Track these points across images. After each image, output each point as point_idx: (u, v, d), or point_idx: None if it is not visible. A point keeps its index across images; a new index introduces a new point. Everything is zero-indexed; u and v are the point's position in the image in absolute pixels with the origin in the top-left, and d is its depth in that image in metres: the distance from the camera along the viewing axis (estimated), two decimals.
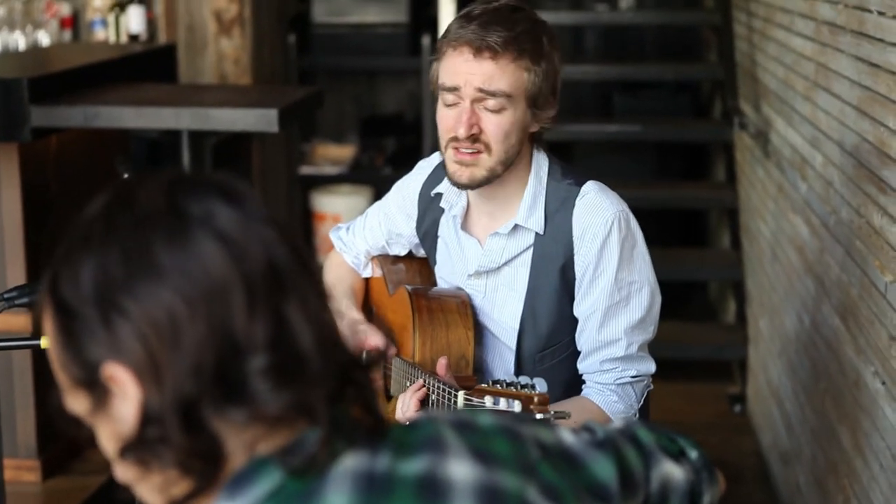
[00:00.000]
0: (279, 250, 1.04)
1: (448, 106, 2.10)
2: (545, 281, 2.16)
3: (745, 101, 4.42)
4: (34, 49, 4.61)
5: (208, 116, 3.30)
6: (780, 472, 3.55)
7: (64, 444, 3.72)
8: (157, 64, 4.30)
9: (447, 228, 2.28)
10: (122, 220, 1.02)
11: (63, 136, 3.65)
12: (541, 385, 1.88)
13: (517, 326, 2.19)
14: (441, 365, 2.06)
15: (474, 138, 2.07)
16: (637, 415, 2.17)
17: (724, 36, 4.75)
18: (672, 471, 1.29)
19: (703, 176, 5.65)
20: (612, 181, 2.26)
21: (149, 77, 4.05)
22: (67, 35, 4.93)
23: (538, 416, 1.83)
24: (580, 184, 2.16)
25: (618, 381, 2.14)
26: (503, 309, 2.21)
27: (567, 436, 1.20)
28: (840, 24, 2.83)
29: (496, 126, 2.07)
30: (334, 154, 5.77)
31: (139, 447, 1.01)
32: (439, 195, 2.26)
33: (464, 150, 2.09)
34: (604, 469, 1.19)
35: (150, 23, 4.88)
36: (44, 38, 4.75)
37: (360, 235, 2.45)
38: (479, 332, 2.23)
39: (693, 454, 1.33)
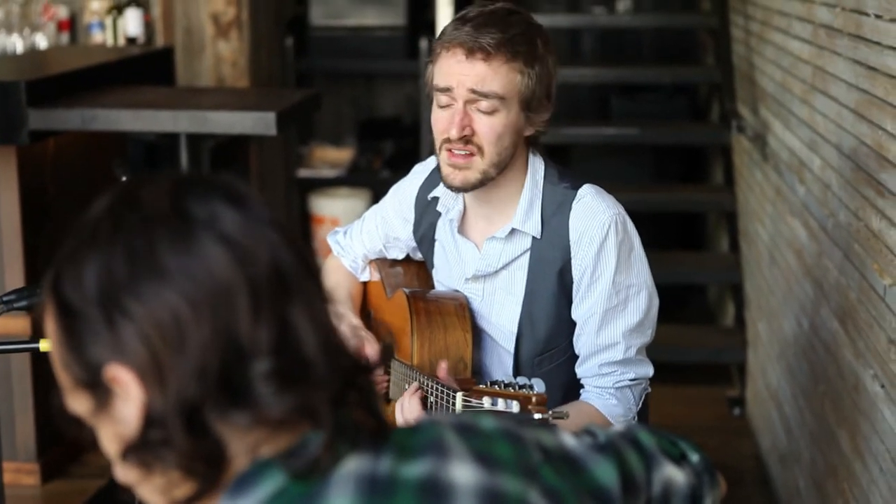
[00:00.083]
0: (284, 254, 1.04)
1: (442, 107, 2.10)
2: (543, 285, 2.15)
3: (743, 104, 4.42)
4: (32, 52, 4.61)
5: (206, 119, 3.30)
6: (780, 476, 3.55)
7: (63, 447, 3.72)
8: (155, 67, 4.30)
9: (444, 232, 2.28)
10: (126, 221, 1.02)
11: (60, 138, 3.64)
12: (539, 385, 1.89)
13: (515, 330, 2.19)
14: (441, 369, 2.05)
15: (466, 140, 2.08)
16: (636, 418, 2.17)
17: (721, 39, 4.75)
18: (674, 474, 1.28)
19: (701, 179, 5.65)
20: (610, 184, 2.26)
21: (146, 80, 4.05)
22: (65, 38, 4.93)
23: (536, 415, 1.83)
24: (576, 187, 2.16)
25: (616, 385, 2.14)
26: (501, 313, 2.21)
27: (569, 439, 1.20)
28: (837, 28, 2.83)
29: (489, 128, 2.07)
30: (332, 157, 5.77)
31: (142, 449, 1.01)
32: (436, 199, 2.26)
33: (457, 152, 2.09)
34: (605, 472, 1.19)
35: (148, 25, 4.88)
36: (41, 41, 4.74)
37: (357, 239, 2.45)
38: (478, 335, 2.23)
39: (694, 457, 1.33)
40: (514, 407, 1.84)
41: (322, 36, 5.57)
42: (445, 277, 2.30)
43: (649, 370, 2.17)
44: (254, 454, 1.03)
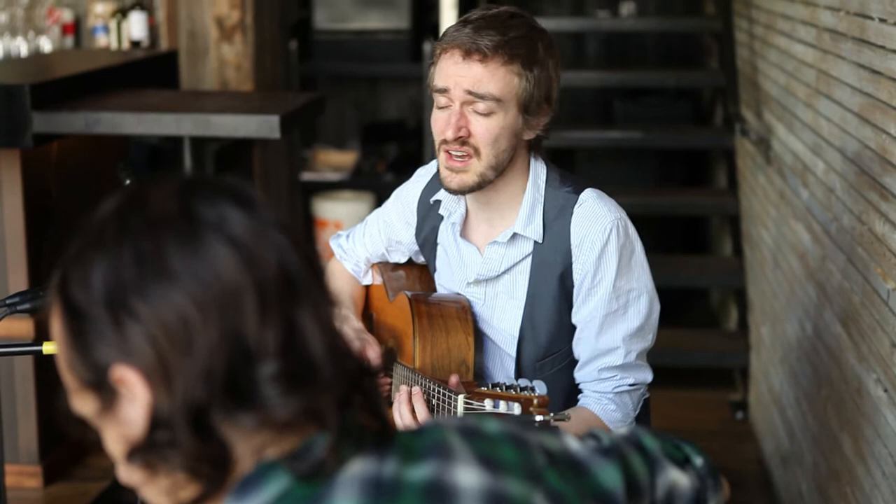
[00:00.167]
0: (291, 257, 1.04)
1: (440, 108, 2.11)
2: (544, 289, 2.15)
3: (747, 107, 4.42)
4: (36, 55, 4.62)
5: (210, 123, 3.30)
6: (782, 479, 3.54)
7: (65, 450, 3.72)
8: (159, 70, 4.30)
9: (446, 236, 2.28)
10: (134, 223, 1.02)
11: (64, 142, 3.65)
12: (540, 387, 1.88)
13: (516, 334, 2.19)
14: (453, 382, 2.03)
15: (463, 141, 2.08)
16: (633, 424, 2.16)
17: (725, 43, 4.75)
18: (678, 478, 1.28)
19: (705, 183, 5.65)
20: (614, 188, 2.26)
21: (150, 83, 4.05)
22: (69, 41, 4.94)
23: (538, 418, 1.83)
24: (578, 191, 2.15)
25: (616, 390, 2.13)
26: (503, 317, 2.21)
27: (573, 443, 1.20)
28: (841, 31, 2.83)
29: (485, 129, 2.07)
30: (336, 160, 5.78)
31: (147, 450, 1.01)
32: (438, 202, 2.26)
33: (454, 154, 2.09)
34: (610, 476, 1.19)
35: (152, 29, 4.89)
36: (46, 45, 4.75)
37: (359, 243, 2.45)
38: (479, 339, 2.23)
39: (698, 461, 1.33)
40: (516, 409, 1.84)
41: (326, 39, 5.58)
42: (447, 281, 2.30)
43: (648, 376, 2.17)
44: (259, 456, 1.03)
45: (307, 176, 5.65)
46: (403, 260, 2.43)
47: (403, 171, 4.82)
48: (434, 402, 2.03)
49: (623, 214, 2.15)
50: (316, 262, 1.07)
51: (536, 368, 2.18)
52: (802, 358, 3.23)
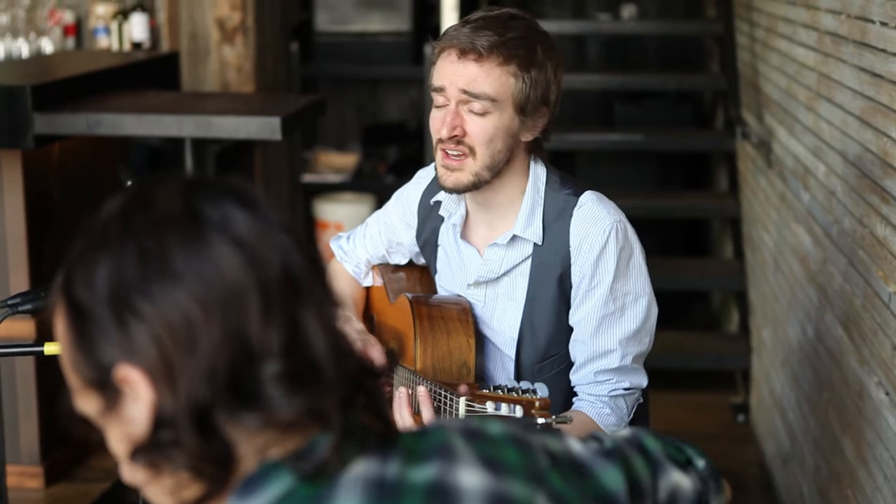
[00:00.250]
0: (295, 257, 1.04)
1: (437, 107, 2.12)
2: (544, 291, 2.15)
3: (748, 110, 4.42)
4: (37, 56, 4.62)
5: (211, 124, 3.30)
6: (783, 482, 3.54)
7: (67, 450, 3.72)
8: (160, 72, 4.30)
9: (447, 237, 2.28)
10: (138, 223, 1.02)
11: (66, 143, 3.65)
12: (542, 390, 1.88)
13: (516, 336, 2.19)
14: (462, 391, 2.03)
15: (458, 140, 2.08)
16: (627, 427, 2.16)
17: (726, 46, 4.75)
18: (680, 480, 1.29)
19: (706, 186, 5.65)
20: (614, 191, 2.26)
21: (152, 85, 4.06)
22: (71, 43, 4.94)
23: (540, 420, 1.83)
24: (578, 194, 2.15)
25: (611, 393, 2.13)
26: (502, 319, 2.21)
27: (575, 445, 1.20)
28: (842, 35, 2.83)
29: (480, 129, 2.07)
30: (337, 162, 5.78)
31: (150, 450, 1.01)
32: (439, 203, 2.26)
33: (450, 153, 2.10)
34: (612, 478, 1.19)
35: (153, 31, 4.89)
36: (47, 46, 4.75)
37: (360, 244, 2.45)
38: (480, 341, 2.23)
39: (700, 463, 1.33)
40: (518, 411, 1.84)
41: (327, 41, 5.58)
42: (448, 282, 2.30)
43: (644, 380, 2.16)
44: (262, 456, 1.03)
45: (308, 177, 5.65)
46: (404, 261, 2.43)
47: (404, 173, 4.81)
48: (435, 404, 2.03)
49: (623, 217, 2.15)
50: (319, 263, 1.08)
51: (536, 371, 2.18)
52: (804, 361, 3.23)
